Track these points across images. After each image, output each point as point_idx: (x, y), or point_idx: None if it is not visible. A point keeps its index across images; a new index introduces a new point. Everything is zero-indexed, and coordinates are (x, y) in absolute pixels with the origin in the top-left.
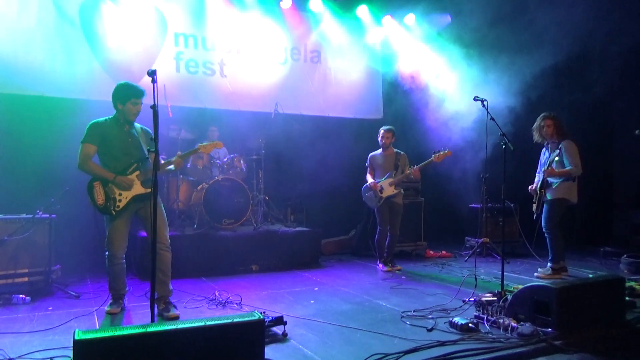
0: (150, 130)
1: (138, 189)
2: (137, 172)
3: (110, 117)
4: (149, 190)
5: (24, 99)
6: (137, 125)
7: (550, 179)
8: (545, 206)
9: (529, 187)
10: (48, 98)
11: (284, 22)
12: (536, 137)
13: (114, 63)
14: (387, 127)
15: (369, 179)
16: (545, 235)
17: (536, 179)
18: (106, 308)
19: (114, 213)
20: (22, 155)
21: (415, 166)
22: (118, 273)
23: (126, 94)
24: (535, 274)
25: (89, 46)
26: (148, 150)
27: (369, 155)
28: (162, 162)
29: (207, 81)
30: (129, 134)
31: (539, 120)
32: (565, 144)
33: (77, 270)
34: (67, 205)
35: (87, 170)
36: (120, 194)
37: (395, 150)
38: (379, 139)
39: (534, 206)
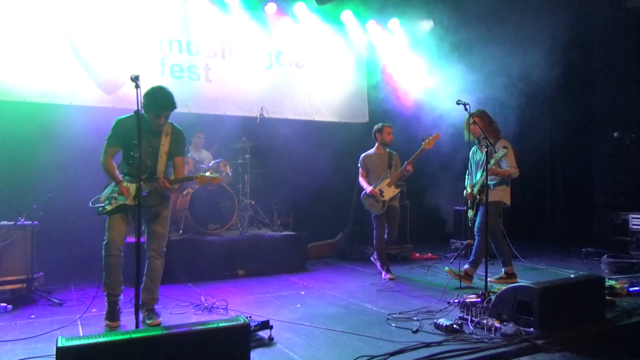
0: (184, 132)
1: (130, 200)
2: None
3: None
4: (135, 203)
5: (6, 105)
6: (169, 128)
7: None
8: (481, 209)
9: (465, 193)
10: (30, 103)
11: (269, 27)
12: (466, 136)
13: (98, 68)
14: (389, 123)
15: (364, 184)
16: (476, 238)
17: (467, 181)
18: (105, 321)
19: (100, 212)
20: (3, 161)
21: (406, 162)
22: (113, 266)
23: (149, 105)
24: (491, 280)
25: (72, 51)
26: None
27: (362, 156)
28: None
29: (192, 86)
30: (150, 140)
31: (466, 118)
32: (502, 144)
33: (60, 277)
34: (50, 211)
35: (104, 169)
36: (116, 199)
37: (387, 149)
38: (384, 137)
39: (470, 212)
